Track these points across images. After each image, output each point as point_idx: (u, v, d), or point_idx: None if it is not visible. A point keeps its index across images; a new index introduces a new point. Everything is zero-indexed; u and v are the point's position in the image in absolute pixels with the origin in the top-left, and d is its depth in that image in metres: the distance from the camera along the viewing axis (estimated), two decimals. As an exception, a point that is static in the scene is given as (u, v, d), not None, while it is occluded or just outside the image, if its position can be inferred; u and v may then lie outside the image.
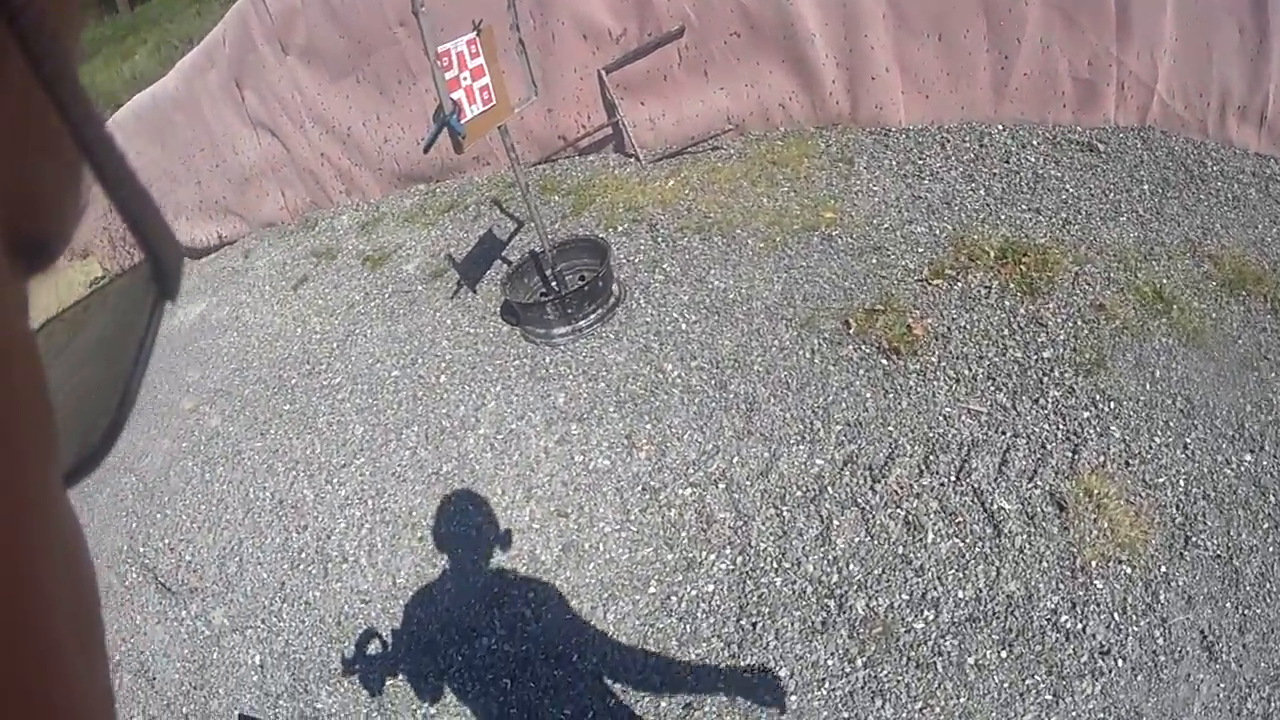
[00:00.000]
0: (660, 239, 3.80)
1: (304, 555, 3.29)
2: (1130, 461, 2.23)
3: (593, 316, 3.42)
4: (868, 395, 2.62)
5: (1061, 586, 2.06)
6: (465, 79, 2.77)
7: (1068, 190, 3.14)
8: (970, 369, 2.59)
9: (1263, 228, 2.87)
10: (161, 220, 0.23)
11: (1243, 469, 2.21)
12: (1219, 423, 2.32)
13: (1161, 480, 2.18)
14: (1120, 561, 2.07)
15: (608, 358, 3.29)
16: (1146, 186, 3.06)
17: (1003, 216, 3.11)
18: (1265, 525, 2.09)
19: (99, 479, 4.55)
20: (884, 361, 2.71)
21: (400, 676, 2.70)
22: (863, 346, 2.79)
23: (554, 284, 3.49)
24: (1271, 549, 2.05)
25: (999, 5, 3.28)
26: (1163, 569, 2.04)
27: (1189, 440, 2.26)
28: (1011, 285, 2.81)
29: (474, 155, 4.56)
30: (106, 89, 8.73)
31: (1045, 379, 2.50)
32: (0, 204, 0.19)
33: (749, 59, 3.95)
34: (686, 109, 4.25)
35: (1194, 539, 2.06)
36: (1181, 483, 2.17)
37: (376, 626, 2.88)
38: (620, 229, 3.98)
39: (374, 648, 2.80)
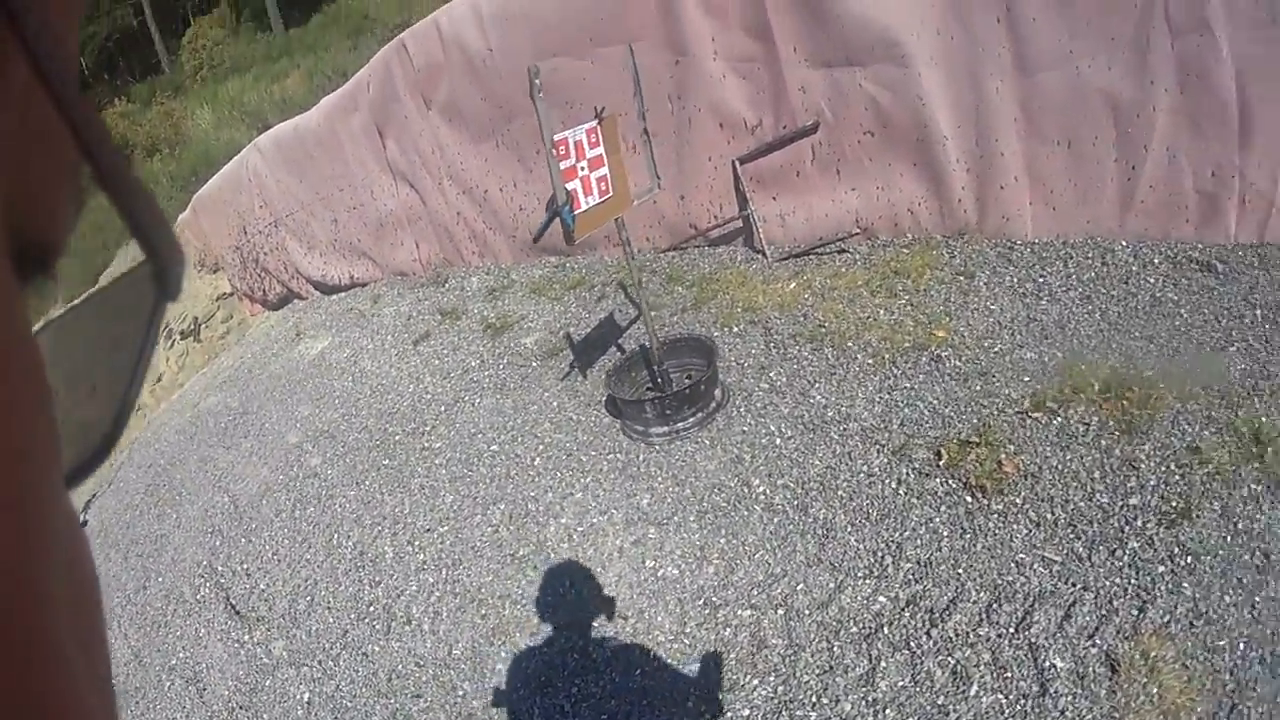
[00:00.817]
0: (773, 344, 4.17)
1: (372, 609, 3.76)
2: (1195, 622, 2.31)
3: (691, 420, 3.77)
4: (944, 534, 2.85)
5: (1093, 755, 2.17)
6: (583, 168, 3.07)
7: (1182, 316, 3.26)
8: (1053, 513, 2.74)
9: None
10: (163, 221, 0.25)
11: (1310, 632, 2.27)
12: (1295, 579, 2.38)
13: (1223, 643, 2.24)
14: (1160, 730, 2.16)
15: (699, 464, 3.61)
16: (1259, 311, 3.12)
17: (1114, 345, 3.28)
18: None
19: (193, 492, 5.26)
20: (968, 499, 2.93)
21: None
22: (949, 481, 3.02)
23: (660, 380, 3.86)
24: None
25: (1128, 109, 3.45)
26: (1200, 740, 2.11)
27: (1259, 599, 2.30)
28: (1111, 423, 2.94)
29: (605, 234, 4.97)
30: (255, 108, 9.81)
31: (1126, 528, 2.61)
32: (1, 204, 0.21)
33: (881, 159, 4.28)
34: (817, 207, 4.61)
35: (1239, 706, 2.10)
36: (1241, 645, 2.22)
37: (425, 692, 3.24)
38: (735, 329, 4.36)
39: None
